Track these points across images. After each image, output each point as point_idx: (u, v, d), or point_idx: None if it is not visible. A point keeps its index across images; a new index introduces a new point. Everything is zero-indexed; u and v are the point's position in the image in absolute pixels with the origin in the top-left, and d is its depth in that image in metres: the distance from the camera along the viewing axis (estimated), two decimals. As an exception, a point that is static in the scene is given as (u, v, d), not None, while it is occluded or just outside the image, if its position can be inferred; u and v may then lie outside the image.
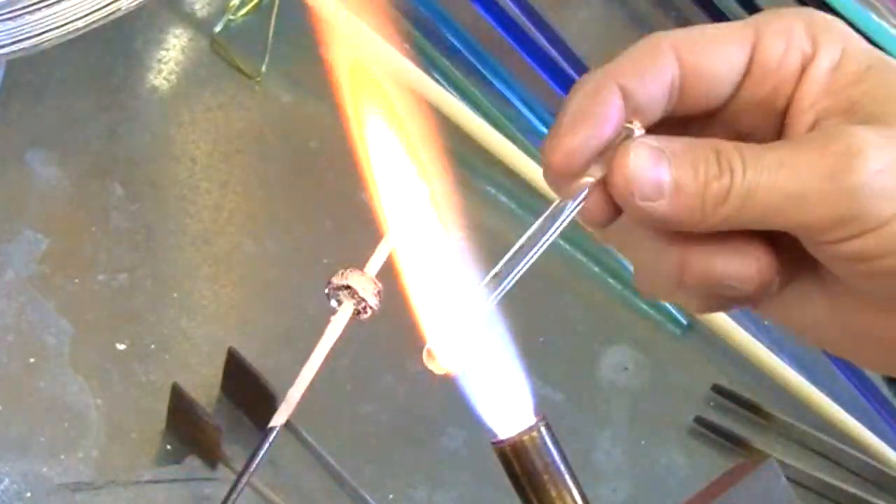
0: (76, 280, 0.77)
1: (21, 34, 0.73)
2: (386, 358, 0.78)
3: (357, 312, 0.52)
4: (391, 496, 0.75)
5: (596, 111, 0.50)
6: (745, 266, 0.50)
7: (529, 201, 0.87)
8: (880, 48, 0.60)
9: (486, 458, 0.48)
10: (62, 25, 0.74)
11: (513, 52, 0.93)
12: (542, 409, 0.47)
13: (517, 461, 0.46)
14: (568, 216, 0.50)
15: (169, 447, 0.73)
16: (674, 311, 0.86)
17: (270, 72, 0.88)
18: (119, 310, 0.77)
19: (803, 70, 0.50)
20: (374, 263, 0.50)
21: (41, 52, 0.75)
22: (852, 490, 0.81)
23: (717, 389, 0.84)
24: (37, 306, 0.76)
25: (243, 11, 0.89)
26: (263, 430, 0.74)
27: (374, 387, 0.78)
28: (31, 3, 0.72)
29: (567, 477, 0.46)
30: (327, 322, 0.79)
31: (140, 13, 0.86)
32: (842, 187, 0.47)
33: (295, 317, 0.79)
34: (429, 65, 0.91)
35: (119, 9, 0.75)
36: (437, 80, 0.89)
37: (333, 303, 0.52)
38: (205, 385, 0.75)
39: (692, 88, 0.51)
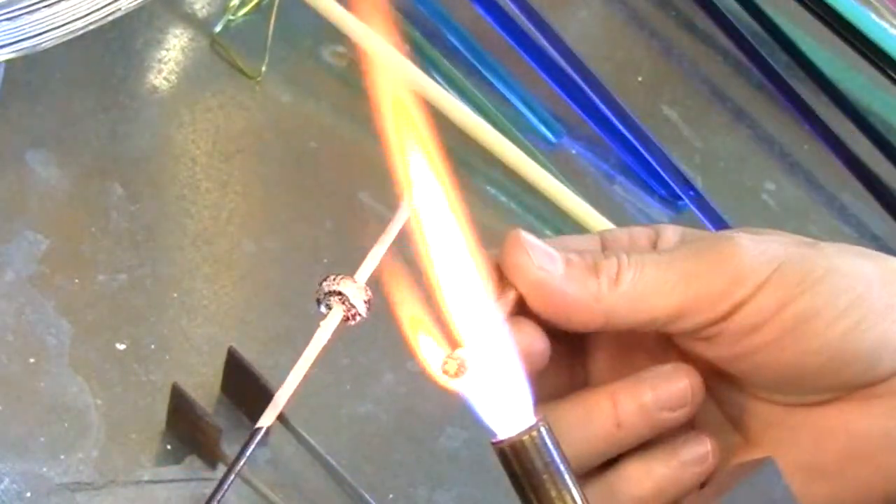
0: (76, 280, 0.77)
1: (21, 34, 0.73)
2: (386, 358, 0.78)
3: (346, 318, 0.52)
4: (391, 496, 0.75)
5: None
6: (673, 384, 0.51)
7: (529, 201, 0.87)
8: (880, 48, 0.60)
9: (486, 458, 0.48)
10: (62, 25, 0.74)
11: (513, 52, 0.93)
12: (542, 409, 0.47)
13: (517, 461, 0.46)
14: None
15: (169, 447, 0.73)
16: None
17: (270, 72, 0.88)
18: (119, 310, 0.77)
19: None
20: (365, 270, 0.50)
21: (41, 52, 0.75)
22: (852, 490, 0.81)
23: (717, 389, 0.84)
24: (37, 306, 0.76)
25: (243, 11, 0.89)
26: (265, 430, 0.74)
27: (374, 387, 0.78)
28: (30, 3, 0.72)
29: (567, 477, 0.46)
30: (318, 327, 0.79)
31: (140, 13, 0.86)
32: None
33: (295, 317, 0.79)
34: (429, 65, 0.91)
35: (119, 9, 0.75)
36: (437, 80, 0.89)
37: (323, 308, 0.52)
38: (205, 385, 0.75)
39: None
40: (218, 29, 0.89)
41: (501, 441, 0.46)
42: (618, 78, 0.94)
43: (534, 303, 0.50)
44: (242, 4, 0.89)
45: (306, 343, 0.79)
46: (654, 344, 0.53)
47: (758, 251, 0.51)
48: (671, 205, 0.90)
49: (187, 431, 0.73)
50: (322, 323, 0.51)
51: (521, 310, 0.51)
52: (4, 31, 0.72)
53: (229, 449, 0.72)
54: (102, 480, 0.71)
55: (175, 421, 0.73)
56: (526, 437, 0.46)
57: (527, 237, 0.51)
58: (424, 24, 0.93)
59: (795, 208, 0.94)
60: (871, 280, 0.50)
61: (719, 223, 0.89)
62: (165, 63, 0.88)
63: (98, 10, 0.74)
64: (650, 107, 0.96)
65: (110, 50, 0.86)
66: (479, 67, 0.92)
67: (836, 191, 0.96)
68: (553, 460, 0.46)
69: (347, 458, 0.74)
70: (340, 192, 0.84)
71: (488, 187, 0.87)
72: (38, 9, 0.72)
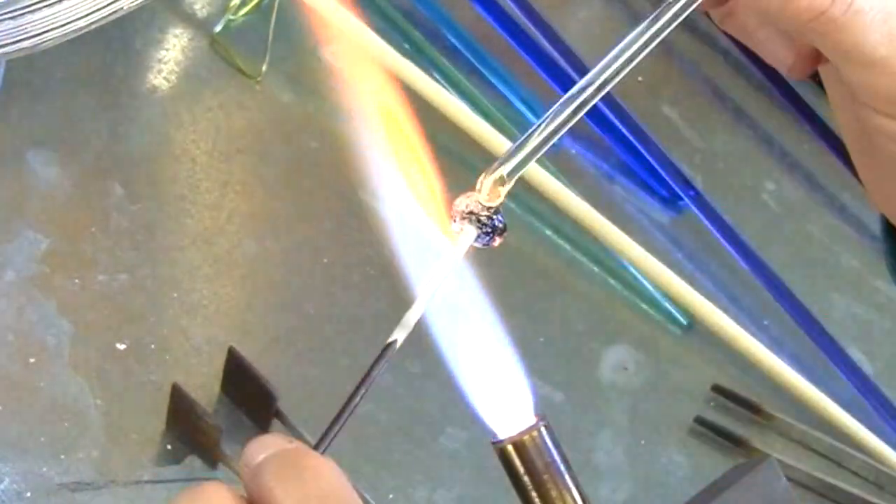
0: (76, 280, 0.77)
1: (22, 34, 0.73)
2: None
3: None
4: (391, 496, 0.75)
5: None
6: (782, 54, 0.50)
7: (529, 201, 0.87)
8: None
9: (486, 458, 0.48)
10: (63, 25, 0.74)
11: (513, 52, 0.93)
12: (542, 409, 0.47)
13: (517, 461, 0.46)
14: None
15: (169, 447, 0.73)
16: (674, 311, 0.86)
17: (270, 72, 0.88)
18: (119, 310, 0.77)
19: None
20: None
21: (41, 51, 0.75)
22: (852, 490, 0.81)
23: (717, 389, 0.84)
24: (37, 306, 0.76)
25: (243, 11, 0.89)
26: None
27: (374, 387, 0.78)
28: (31, 2, 0.72)
29: (567, 477, 0.46)
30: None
31: (140, 13, 0.86)
32: None
33: (295, 317, 0.79)
34: (429, 65, 0.91)
35: (121, 8, 0.75)
36: (437, 80, 0.89)
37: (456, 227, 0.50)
38: (205, 385, 0.75)
39: None
40: (218, 29, 0.89)
41: (501, 441, 0.46)
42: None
43: None
44: (242, 4, 0.89)
45: (306, 343, 0.79)
46: None
47: None
48: (671, 205, 0.90)
49: (187, 431, 0.73)
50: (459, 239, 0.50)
51: None
52: (6, 30, 0.72)
53: (229, 449, 0.72)
54: (102, 480, 0.71)
55: (175, 421, 0.73)
56: (526, 437, 0.46)
57: None
58: (424, 24, 0.93)
59: (795, 208, 0.95)
60: None
61: (719, 223, 0.89)
62: (165, 63, 0.88)
63: (99, 9, 0.74)
64: (650, 107, 0.96)
65: (111, 50, 0.86)
66: (479, 67, 0.92)
67: (836, 191, 0.96)
68: (553, 460, 0.46)
69: (347, 458, 0.74)
70: (340, 192, 0.84)
71: (488, 187, 0.87)
72: (40, 8, 0.72)
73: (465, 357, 0.48)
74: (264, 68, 0.88)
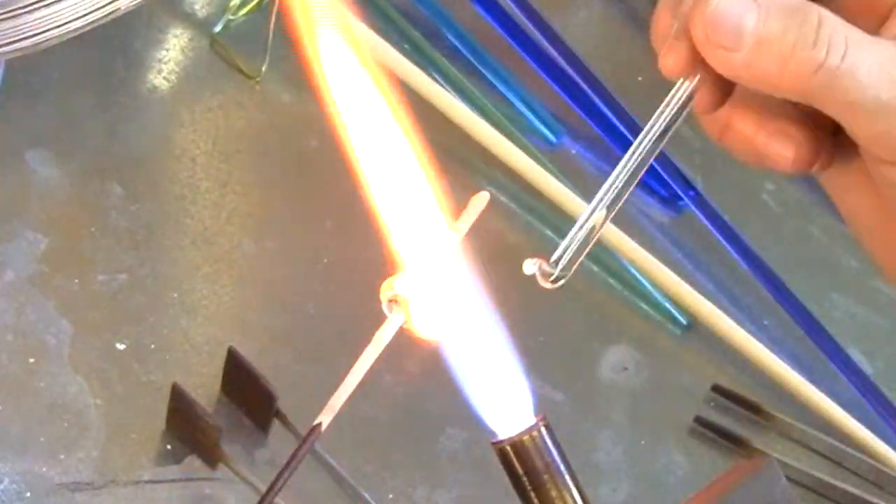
0: (76, 280, 0.77)
1: (20, 34, 0.73)
2: (386, 358, 0.78)
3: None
4: (391, 496, 0.75)
5: None
6: (783, 149, 0.50)
7: (529, 201, 0.87)
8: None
9: (486, 458, 0.48)
10: (62, 25, 0.73)
11: (513, 52, 0.93)
12: (542, 409, 0.47)
13: (517, 461, 0.46)
14: (680, 102, 0.49)
15: (169, 447, 0.73)
16: (674, 311, 0.86)
17: (270, 72, 0.88)
18: (119, 310, 0.77)
19: None
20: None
21: (41, 51, 0.75)
22: (852, 490, 0.81)
23: (717, 389, 0.84)
24: (37, 306, 0.76)
25: (243, 11, 0.89)
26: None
27: (374, 387, 0.78)
28: (30, 2, 0.72)
29: (567, 477, 0.46)
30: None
31: (140, 13, 0.86)
32: None
33: (295, 317, 0.79)
34: (429, 65, 0.91)
35: (119, 8, 0.75)
36: (437, 80, 0.89)
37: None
38: (205, 385, 0.75)
39: None
40: (218, 29, 0.89)
41: (501, 441, 0.46)
42: (618, 78, 0.94)
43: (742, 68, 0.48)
44: (242, 4, 0.89)
45: (306, 343, 0.79)
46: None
47: None
48: (671, 205, 0.90)
49: (187, 431, 0.73)
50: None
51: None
52: (4, 30, 0.72)
53: (229, 449, 0.72)
54: (102, 480, 0.71)
55: (175, 421, 0.73)
56: (526, 437, 0.46)
57: (717, 6, 0.47)
58: (424, 24, 0.93)
59: (795, 208, 0.94)
60: None
61: (719, 223, 0.89)
62: (165, 63, 0.88)
63: (98, 9, 0.74)
64: (650, 107, 0.96)
65: (110, 50, 0.86)
66: (479, 67, 0.92)
67: (836, 191, 0.96)
68: (553, 460, 0.46)
69: (347, 458, 0.74)
70: (340, 192, 0.83)
71: (488, 187, 0.87)
72: (38, 8, 0.72)
73: (466, 357, 0.48)
74: (264, 68, 0.88)
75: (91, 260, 0.78)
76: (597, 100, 0.91)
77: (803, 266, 0.92)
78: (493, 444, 0.46)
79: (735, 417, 0.83)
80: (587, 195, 0.87)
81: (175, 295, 0.78)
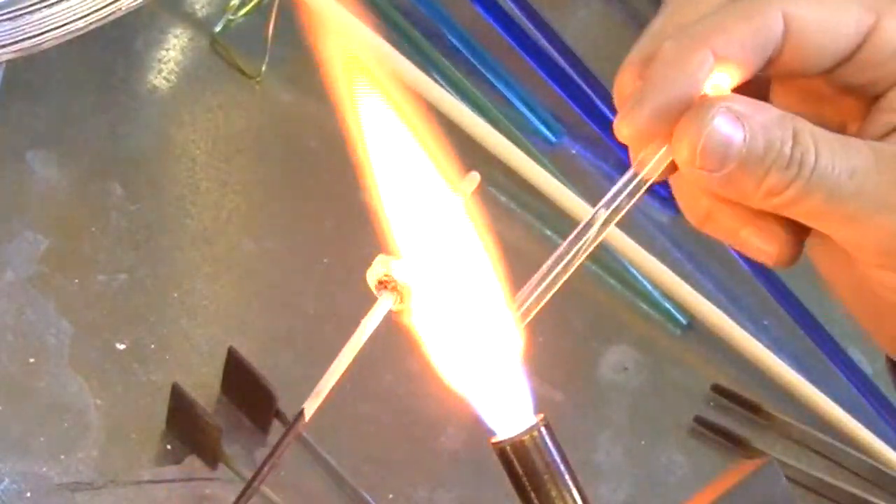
0: (76, 280, 0.77)
1: (21, 34, 0.73)
2: (386, 358, 0.78)
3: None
4: (391, 496, 0.75)
5: (680, 84, 0.48)
6: (766, 244, 0.50)
7: (529, 201, 0.87)
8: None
9: (486, 458, 0.48)
10: (62, 25, 0.74)
11: (513, 52, 0.93)
12: (542, 408, 0.47)
13: (517, 461, 0.46)
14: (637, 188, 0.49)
15: (169, 447, 0.73)
16: (674, 311, 0.86)
17: (270, 72, 0.88)
18: (119, 310, 0.77)
19: None
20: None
21: (41, 52, 0.75)
22: (852, 490, 0.81)
23: (717, 389, 0.84)
24: (37, 306, 0.76)
25: (243, 11, 0.89)
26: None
27: (374, 387, 0.78)
28: (31, 3, 0.72)
29: (567, 477, 0.46)
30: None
31: (140, 13, 0.86)
32: None
33: (295, 317, 0.79)
34: (429, 65, 0.91)
35: (119, 9, 0.75)
36: (437, 80, 0.89)
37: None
38: (205, 385, 0.75)
39: (789, 59, 0.48)
40: (218, 29, 0.89)
41: (502, 441, 0.46)
42: (618, 78, 0.94)
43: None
44: (242, 4, 0.89)
45: (306, 343, 0.79)
46: None
47: None
48: (671, 204, 0.90)
49: (187, 431, 0.73)
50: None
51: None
52: (5, 31, 0.72)
53: (229, 449, 0.72)
54: (102, 480, 0.71)
55: (175, 421, 0.73)
56: (526, 437, 0.46)
57: (709, 137, 0.46)
58: (424, 24, 0.93)
59: (795, 208, 0.94)
60: None
61: (719, 223, 0.89)
62: (165, 63, 0.88)
63: (99, 10, 0.74)
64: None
65: (110, 50, 0.86)
66: (479, 67, 0.92)
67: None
68: (553, 460, 0.46)
69: (347, 458, 0.74)
70: (340, 192, 0.84)
71: (488, 187, 0.87)
72: (39, 9, 0.72)
73: (466, 357, 0.48)
74: (264, 68, 0.88)
75: (91, 260, 0.78)
76: (597, 100, 0.91)
77: (803, 266, 0.92)
78: (493, 444, 0.46)
79: (735, 417, 0.83)
80: (587, 195, 0.87)
81: (175, 295, 0.79)
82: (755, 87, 0.49)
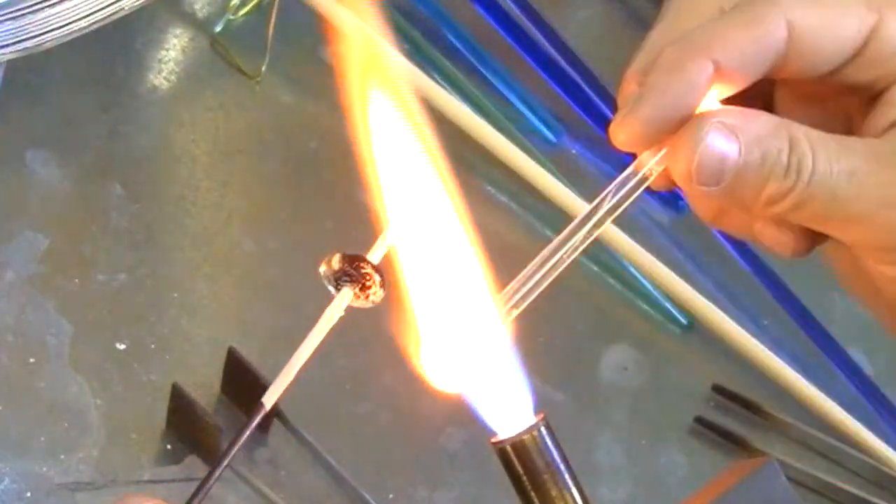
0: (76, 280, 0.77)
1: (23, 34, 0.73)
2: (386, 358, 0.78)
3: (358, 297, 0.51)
4: (391, 496, 0.75)
5: (678, 92, 0.48)
6: (782, 237, 0.50)
7: (529, 201, 0.87)
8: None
9: (486, 458, 0.48)
10: (64, 25, 0.74)
11: (513, 52, 0.93)
12: (542, 408, 0.47)
13: (517, 461, 0.46)
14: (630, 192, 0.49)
15: (169, 447, 0.73)
16: (674, 311, 0.86)
17: (270, 72, 0.88)
18: (119, 310, 0.77)
19: None
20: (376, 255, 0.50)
21: (41, 52, 0.75)
22: (852, 490, 0.81)
23: (717, 389, 0.84)
24: (37, 306, 0.76)
25: (243, 11, 0.89)
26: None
27: (373, 387, 0.78)
28: (33, 2, 0.72)
29: (567, 476, 0.46)
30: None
31: (140, 13, 0.86)
32: None
33: (295, 317, 0.79)
34: (429, 65, 0.91)
35: (122, 9, 0.75)
36: (437, 80, 0.89)
37: (332, 289, 0.51)
38: (205, 385, 0.75)
39: (793, 64, 0.48)
40: (218, 29, 0.89)
41: (502, 441, 0.46)
42: (618, 78, 0.93)
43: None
44: (242, 4, 0.89)
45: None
46: None
47: None
48: (671, 204, 0.90)
49: (187, 431, 0.73)
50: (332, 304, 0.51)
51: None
52: (7, 30, 0.72)
53: (229, 449, 0.72)
54: (102, 480, 0.71)
55: (175, 421, 0.73)
56: (526, 437, 0.46)
57: (703, 154, 0.46)
58: (424, 24, 0.93)
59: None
60: None
61: (719, 223, 0.89)
62: (165, 63, 0.88)
63: (100, 10, 0.74)
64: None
65: (110, 50, 0.86)
66: (479, 67, 0.92)
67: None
68: (553, 460, 0.46)
69: (347, 458, 0.74)
70: (340, 192, 0.84)
71: (488, 187, 0.87)
72: (41, 8, 0.72)
73: (467, 353, 0.48)
74: (264, 68, 0.88)
75: (91, 260, 0.78)
76: (597, 100, 0.91)
77: (803, 266, 0.92)
78: (493, 443, 0.46)
79: (735, 417, 0.83)
80: (587, 195, 0.87)
81: (175, 295, 0.79)
82: (758, 87, 0.49)
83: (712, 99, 0.48)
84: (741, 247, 0.88)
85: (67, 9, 0.73)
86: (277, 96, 0.88)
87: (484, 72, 0.92)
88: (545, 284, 0.49)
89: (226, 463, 0.48)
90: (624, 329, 0.85)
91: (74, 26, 0.74)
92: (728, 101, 0.49)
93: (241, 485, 0.72)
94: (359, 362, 0.78)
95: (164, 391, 0.73)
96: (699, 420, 0.82)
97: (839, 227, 0.48)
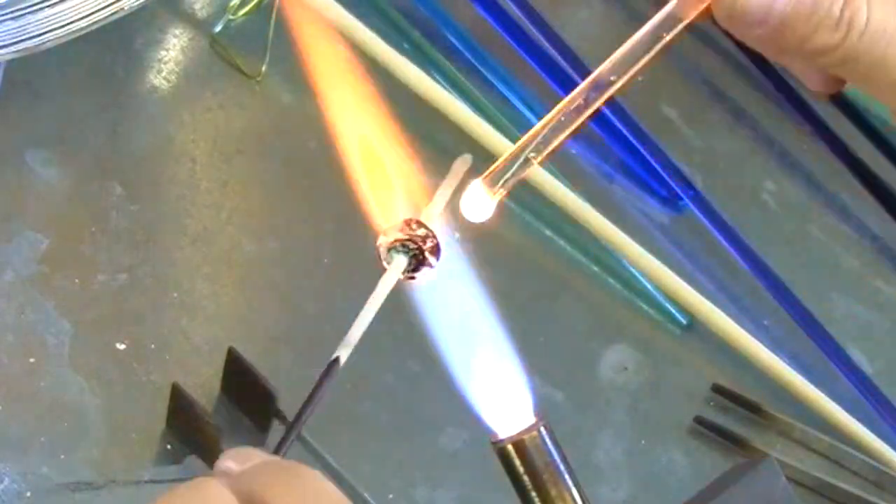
0: (76, 280, 0.77)
1: (23, 34, 0.73)
2: (386, 358, 0.78)
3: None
4: (391, 496, 0.75)
5: None
6: (813, 76, 0.49)
7: (529, 201, 0.87)
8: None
9: (486, 458, 0.48)
10: (64, 25, 0.74)
11: (513, 52, 0.93)
12: (542, 408, 0.47)
13: (517, 460, 0.46)
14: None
15: (169, 447, 0.73)
16: (674, 311, 0.86)
17: (270, 72, 0.88)
18: (119, 310, 0.77)
19: None
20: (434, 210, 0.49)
21: (41, 51, 0.75)
22: (852, 490, 0.81)
23: (717, 389, 0.84)
24: (37, 306, 0.76)
25: (243, 11, 0.89)
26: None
27: (374, 386, 0.78)
28: (33, 2, 0.72)
29: (567, 476, 0.46)
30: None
31: (140, 13, 0.86)
32: None
33: (295, 317, 0.79)
34: (429, 65, 0.91)
35: (122, 8, 0.75)
36: (437, 80, 0.89)
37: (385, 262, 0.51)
38: (205, 385, 0.75)
39: None
40: (218, 29, 0.89)
41: (502, 441, 0.46)
42: (618, 78, 0.94)
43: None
44: (242, 4, 0.89)
45: (306, 343, 0.79)
46: None
47: None
48: (671, 204, 0.90)
49: (187, 431, 0.73)
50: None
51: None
52: (7, 30, 0.72)
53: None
54: (102, 480, 0.71)
55: (175, 421, 0.73)
56: (526, 437, 0.46)
57: None
58: (424, 24, 0.93)
59: (795, 208, 0.95)
60: None
61: (719, 223, 0.89)
62: (165, 63, 0.88)
63: (100, 10, 0.74)
64: (650, 106, 0.96)
65: (110, 50, 0.86)
66: (479, 67, 0.92)
67: (836, 191, 0.96)
68: (553, 460, 0.46)
69: (347, 458, 0.74)
70: (340, 192, 0.83)
71: (488, 187, 0.87)
72: (42, 8, 0.72)
73: (466, 358, 0.48)
74: (264, 68, 0.88)
75: (91, 260, 0.78)
76: (597, 100, 0.91)
77: (803, 266, 0.92)
78: (493, 443, 0.46)
79: (735, 417, 0.84)
80: (587, 195, 0.87)
81: (175, 295, 0.78)
82: None
83: None
84: (741, 247, 0.88)
85: (67, 9, 0.73)
86: (277, 96, 0.88)
87: (484, 72, 0.92)
88: (573, 127, 0.48)
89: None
90: (624, 329, 0.85)
91: (74, 26, 0.74)
92: None
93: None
94: (359, 362, 0.78)
95: (164, 391, 0.73)
96: (699, 420, 0.82)
97: (884, 91, 0.47)
